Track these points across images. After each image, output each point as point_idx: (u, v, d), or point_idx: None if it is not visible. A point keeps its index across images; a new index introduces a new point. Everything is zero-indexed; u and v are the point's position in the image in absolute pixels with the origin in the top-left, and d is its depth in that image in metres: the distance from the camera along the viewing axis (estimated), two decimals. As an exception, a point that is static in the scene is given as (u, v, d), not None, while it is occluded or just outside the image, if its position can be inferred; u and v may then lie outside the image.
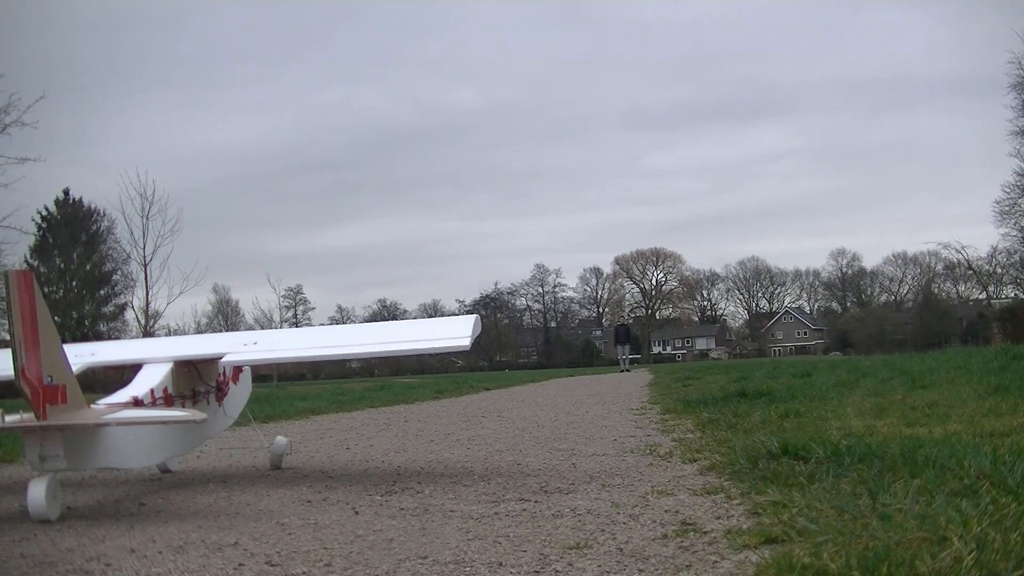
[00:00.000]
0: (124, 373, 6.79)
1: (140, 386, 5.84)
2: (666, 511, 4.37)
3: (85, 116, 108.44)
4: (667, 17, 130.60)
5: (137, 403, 5.58)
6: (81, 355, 6.10)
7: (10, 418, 4.91)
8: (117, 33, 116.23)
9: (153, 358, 6.24)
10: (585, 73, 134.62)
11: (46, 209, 58.54)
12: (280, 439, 7.14)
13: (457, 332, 6.32)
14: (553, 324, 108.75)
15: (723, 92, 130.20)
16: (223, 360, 6.39)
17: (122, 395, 5.67)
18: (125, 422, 5.15)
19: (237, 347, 6.59)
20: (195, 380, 6.40)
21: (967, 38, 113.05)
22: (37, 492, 4.71)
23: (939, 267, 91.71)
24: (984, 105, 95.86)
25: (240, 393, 7.17)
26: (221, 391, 6.70)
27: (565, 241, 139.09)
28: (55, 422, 4.79)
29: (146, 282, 32.38)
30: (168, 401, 5.95)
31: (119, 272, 59.20)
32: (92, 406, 5.24)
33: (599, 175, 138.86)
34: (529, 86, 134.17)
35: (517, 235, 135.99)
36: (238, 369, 6.90)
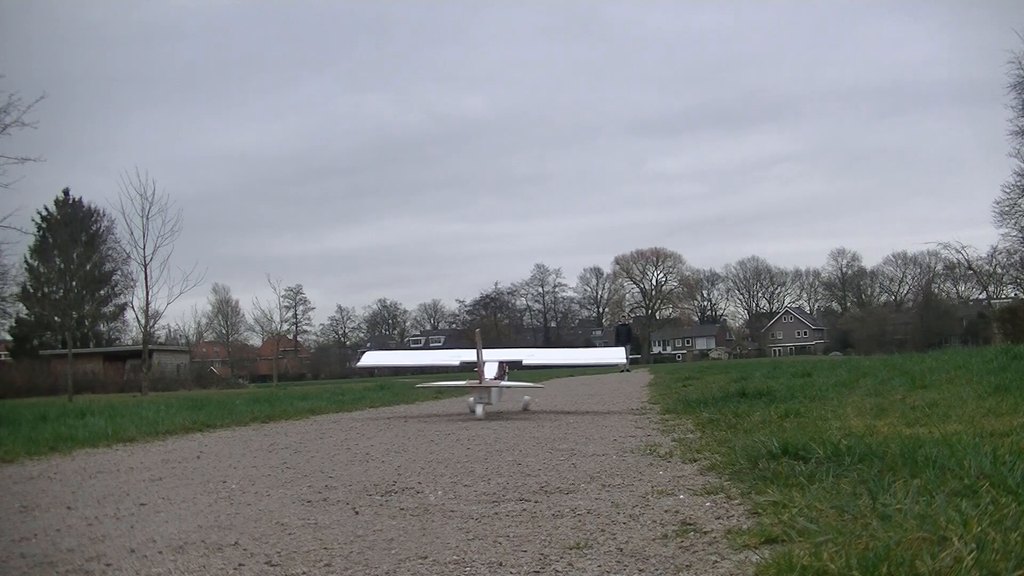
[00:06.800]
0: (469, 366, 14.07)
1: (492, 371, 12.31)
2: (666, 511, 4.37)
3: (103, 121, 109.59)
4: (671, 28, 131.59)
5: (497, 379, 12.37)
6: (460, 356, 14.13)
7: (469, 381, 12.46)
8: (139, 43, 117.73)
9: (491, 360, 12.56)
10: (591, 82, 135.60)
11: (46, 209, 58.62)
12: (527, 397, 13.67)
13: (620, 355, 16.69)
14: (553, 324, 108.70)
15: (726, 100, 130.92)
16: (523, 362, 15.28)
17: (490, 375, 12.19)
18: (503, 386, 12.52)
19: (525, 356, 15.52)
20: (503, 370, 12.88)
21: (965, 46, 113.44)
22: (480, 410, 11.73)
23: (939, 267, 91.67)
24: (982, 111, 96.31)
25: (506, 376, 13.49)
26: (505, 374, 13.13)
27: (568, 243, 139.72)
28: (486, 384, 11.93)
29: (146, 282, 32.33)
30: (499, 379, 12.69)
31: (119, 272, 59.35)
32: (489, 379, 12.11)
33: (603, 179, 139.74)
34: (537, 94, 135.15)
35: (521, 237, 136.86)
36: (504, 364, 13.17)
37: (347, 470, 6.58)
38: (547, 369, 43.71)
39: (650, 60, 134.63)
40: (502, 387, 12.41)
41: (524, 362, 14.94)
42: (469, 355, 13.30)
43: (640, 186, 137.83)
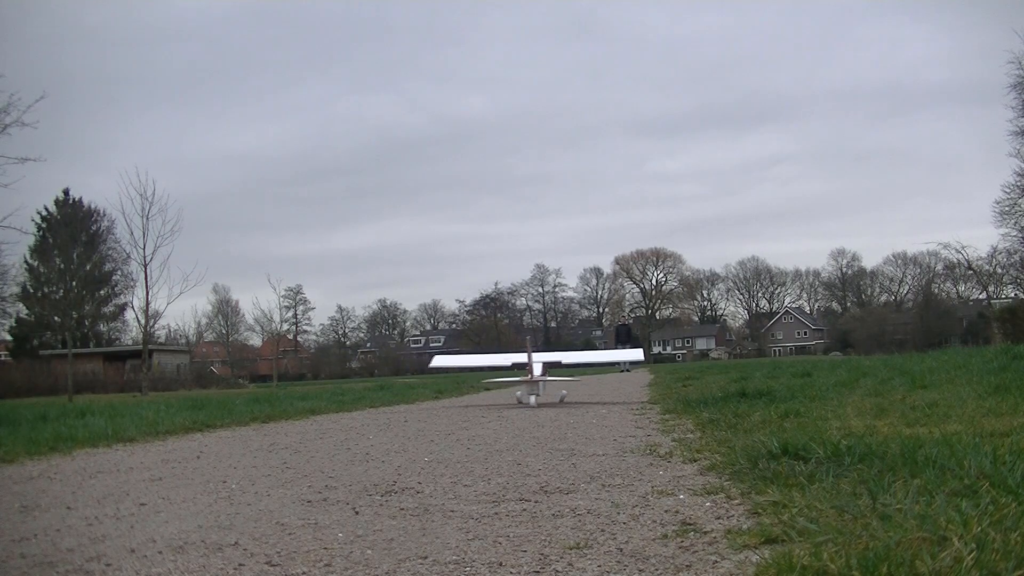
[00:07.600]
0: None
1: (539, 369, 14.22)
2: (666, 511, 4.36)
3: (103, 121, 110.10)
4: (671, 28, 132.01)
5: (542, 376, 14.38)
6: (511, 358, 16.28)
7: (521, 377, 14.71)
8: (140, 44, 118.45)
9: (538, 360, 14.38)
10: (591, 82, 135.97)
11: (46, 209, 58.66)
12: (563, 391, 14.84)
13: (638, 356, 19.54)
14: (553, 324, 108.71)
15: (726, 100, 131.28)
16: (562, 362, 18.32)
17: (538, 372, 14.11)
18: (547, 380, 15.04)
19: (561, 358, 18.77)
20: (546, 368, 14.93)
21: (965, 47, 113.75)
22: (532, 401, 13.59)
23: (939, 267, 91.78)
24: (982, 111, 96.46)
25: (547, 374, 15.38)
26: (546, 372, 15.04)
27: (568, 243, 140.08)
28: (535, 379, 13.98)
29: (146, 282, 32.39)
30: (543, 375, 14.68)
31: (119, 272, 59.46)
32: (537, 375, 14.07)
33: (603, 179, 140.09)
34: (537, 94, 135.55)
35: (521, 237, 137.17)
36: (546, 364, 15.11)
37: (347, 470, 6.58)
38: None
39: (650, 60, 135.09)
40: (546, 381, 14.99)
41: (563, 362, 18.83)
42: (519, 357, 15.71)
43: (640, 186, 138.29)
